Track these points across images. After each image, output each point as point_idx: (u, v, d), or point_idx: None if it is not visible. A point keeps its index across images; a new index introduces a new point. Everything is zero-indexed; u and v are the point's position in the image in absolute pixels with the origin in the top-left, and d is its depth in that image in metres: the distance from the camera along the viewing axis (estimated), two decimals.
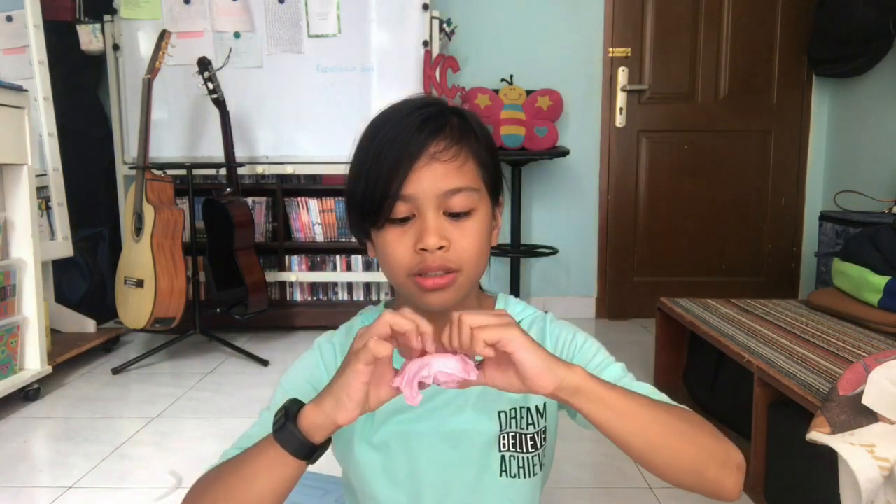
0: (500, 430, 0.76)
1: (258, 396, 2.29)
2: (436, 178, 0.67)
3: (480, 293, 0.83)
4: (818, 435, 1.15)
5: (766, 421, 1.53)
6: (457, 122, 0.71)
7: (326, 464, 0.76)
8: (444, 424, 0.77)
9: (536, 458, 0.78)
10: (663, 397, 0.71)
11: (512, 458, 0.77)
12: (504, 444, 0.77)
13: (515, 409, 0.77)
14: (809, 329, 1.87)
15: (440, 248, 0.67)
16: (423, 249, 0.67)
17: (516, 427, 0.77)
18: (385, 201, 0.67)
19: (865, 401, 1.13)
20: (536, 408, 0.77)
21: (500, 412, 0.76)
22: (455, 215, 0.69)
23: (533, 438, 0.77)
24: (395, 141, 0.67)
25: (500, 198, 0.76)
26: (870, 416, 1.12)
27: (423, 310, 0.71)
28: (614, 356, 0.78)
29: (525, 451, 0.77)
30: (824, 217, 2.74)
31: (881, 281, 1.84)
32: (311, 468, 0.74)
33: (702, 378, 2.11)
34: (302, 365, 0.81)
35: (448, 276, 0.69)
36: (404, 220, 0.68)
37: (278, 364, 2.64)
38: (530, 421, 0.77)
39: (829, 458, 1.11)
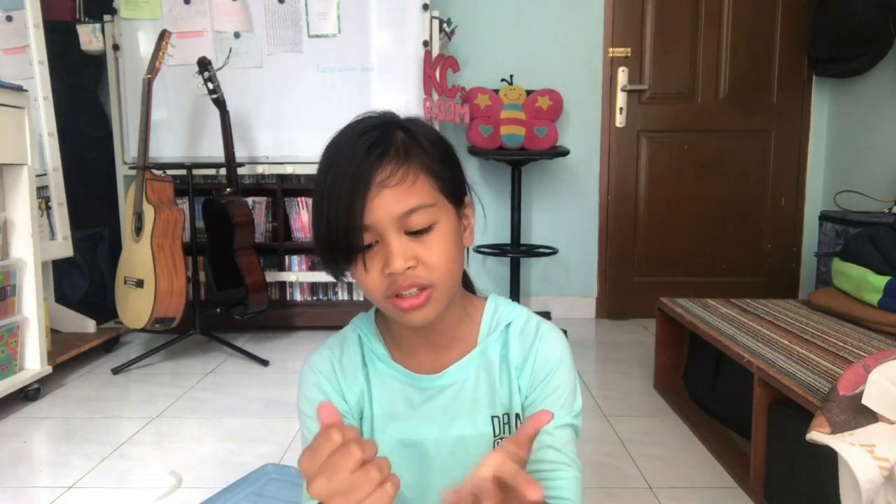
0: (495, 435, 0.78)
1: (258, 396, 2.29)
2: (388, 204, 0.68)
3: (469, 296, 0.83)
4: (818, 435, 1.15)
5: (766, 421, 1.53)
6: (402, 139, 0.71)
7: None
8: (445, 431, 0.78)
9: None
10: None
11: None
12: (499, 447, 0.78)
13: (507, 414, 0.79)
14: (809, 329, 1.87)
15: (408, 268, 0.69)
16: (392, 273, 0.69)
17: (508, 432, 0.78)
18: (349, 236, 0.68)
19: (865, 401, 1.13)
20: (517, 415, 0.79)
21: (493, 417, 0.78)
22: (416, 233, 0.70)
23: None
24: (344, 175, 0.68)
25: (465, 198, 0.76)
26: (870, 416, 1.12)
27: (408, 326, 0.74)
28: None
29: None
30: (824, 217, 2.74)
31: (881, 281, 1.84)
32: None
33: (702, 378, 2.11)
34: (309, 390, 0.81)
35: (423, 294, 0.70)
36: (370, 247, 0.70)
37: (278, 364, 2.64)
38: (516, 425, 0.79)
39: (829, 458, 1.10)
